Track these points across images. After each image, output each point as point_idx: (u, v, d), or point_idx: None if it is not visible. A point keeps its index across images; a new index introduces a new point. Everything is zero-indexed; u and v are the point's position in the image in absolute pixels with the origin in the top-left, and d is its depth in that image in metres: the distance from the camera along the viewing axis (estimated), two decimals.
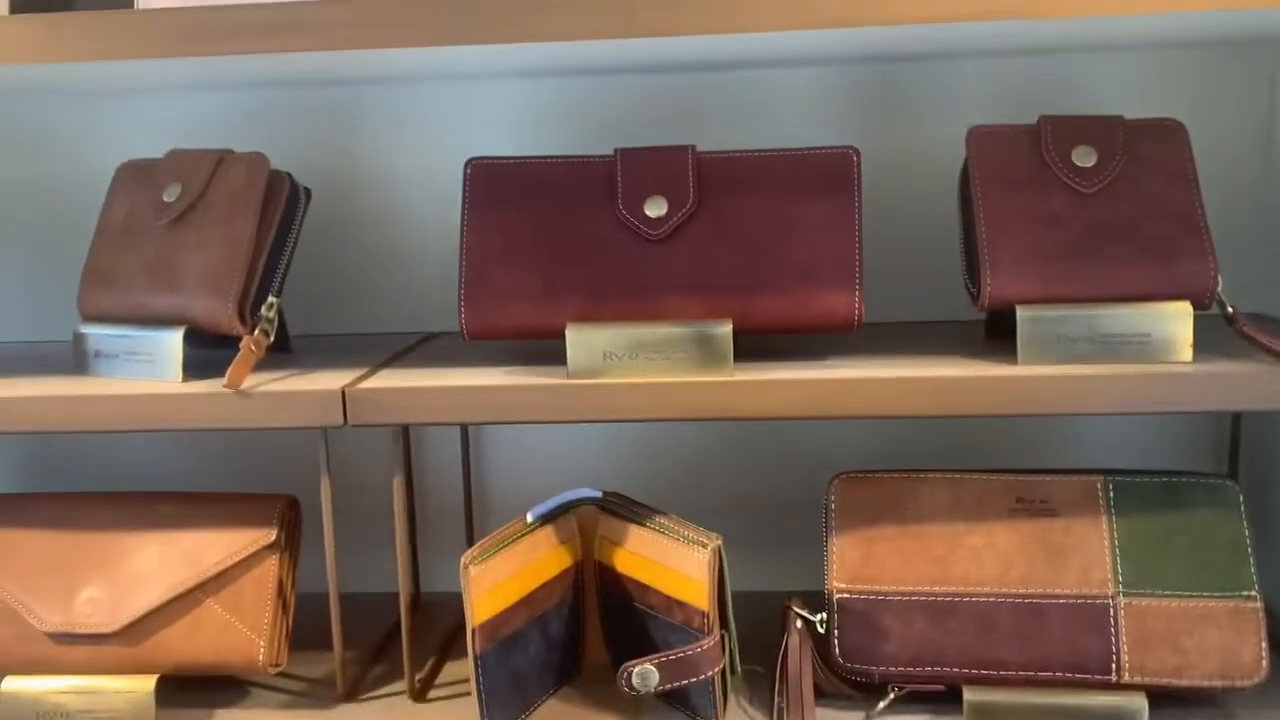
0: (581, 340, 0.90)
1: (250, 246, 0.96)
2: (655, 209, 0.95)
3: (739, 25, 0.78)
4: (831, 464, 1.02)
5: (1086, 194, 0.92)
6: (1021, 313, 0.89)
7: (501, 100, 1.14)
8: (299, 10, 0.81)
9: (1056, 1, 0.78)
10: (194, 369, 0.96)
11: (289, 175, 1.01)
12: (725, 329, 0.90)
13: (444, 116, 1.15)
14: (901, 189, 1.11)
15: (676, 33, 0.78)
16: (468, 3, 0.79)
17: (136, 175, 1.04)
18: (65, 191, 1.19)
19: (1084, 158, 0.93)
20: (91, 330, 1.00)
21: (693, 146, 0.96)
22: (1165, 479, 0.93)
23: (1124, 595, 0.90)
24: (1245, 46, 1.08)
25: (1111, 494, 0.93)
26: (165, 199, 1.00)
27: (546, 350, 0.96)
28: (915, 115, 1.11)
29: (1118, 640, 0.89)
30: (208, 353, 0.98)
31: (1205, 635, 0.89)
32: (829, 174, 0.95)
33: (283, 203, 0.99)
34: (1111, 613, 0.90)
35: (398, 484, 0.94)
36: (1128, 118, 0.95)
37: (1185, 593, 0.90)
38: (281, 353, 1.05)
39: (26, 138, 1.20)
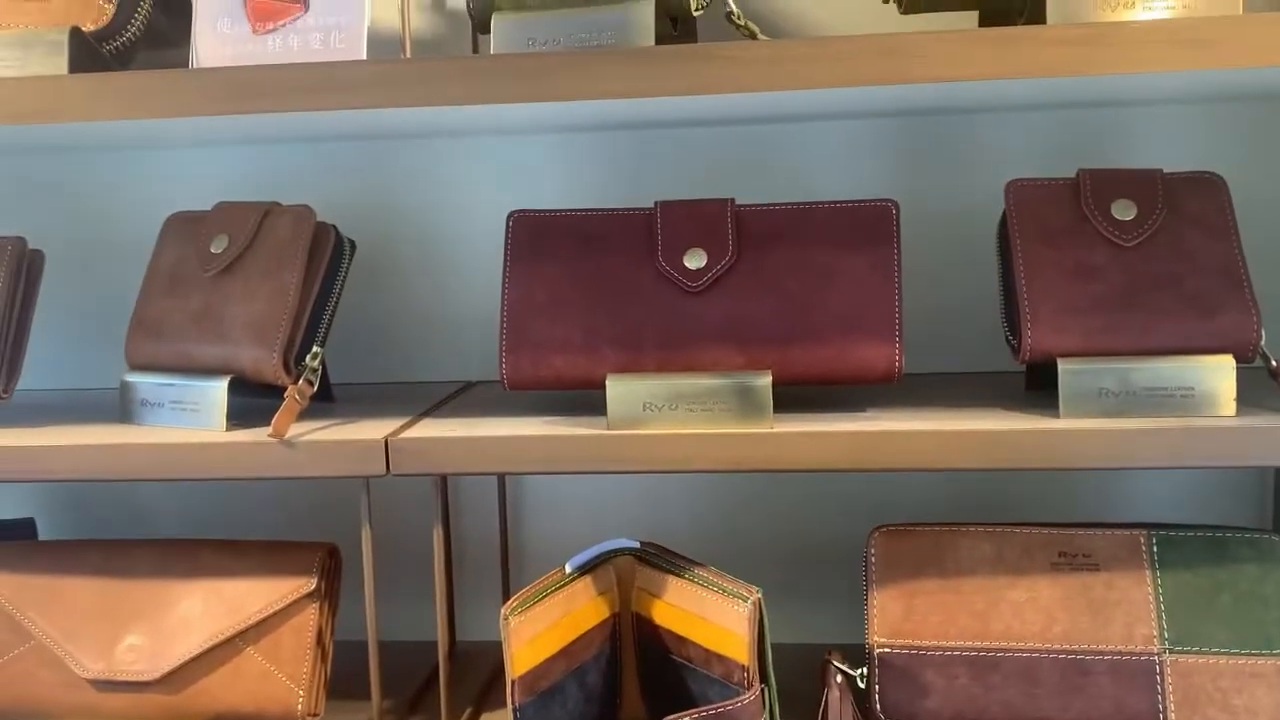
0: (621, 391, 0.91)
1: (296, 297, 0.97)
2: (695, 261, 0.96)
3: (775, 84, 0.79)
4: (872, 515, 1.02)
5: (1126, 247, 0.92)
6: (1063, 366, 0.89)
7: (543, 153, 1.16)
8: (347, 70, 0.83)
9: (1078, 63, 0.78)
10: (237, 416, 0.97)
11: (334, 227, 1.02)
12: (765, 381, 0.90)
13: (486, 169, 1.17)
14: (941, 240, 1.11)
15: (715, 92, 0.79)
16: (507, 64, 0.81)
17: (185, 227, 1.06)
18: (114, 242, 1.21)
19: (1124, 211, 0.93)
20: (138, 379, 1.02)
21: (731, 199, 0.97)
22: (1209, 534, 0.92)
23: (1170, 652, 0.89)
24: None
25: (1155, 549, 0.92)
26: (213, 250, 1.02)
27: (586, 400, 0.97)
28: (953, 167, 1.12)
29: (1164, 698, 0.88)
30: (251, 400, 1.00)
31: (1255, 694, 0.87)
32: (869, 226, 0.95)
33: (328, 254, 1.01)
34: (1157, 670, 0.88)
35: (437, 534, 0.94)
36: (1166, 171, 0.95)
37: (1233, 650, 0.88)
38: (324, 401, 1.06)
39: (77, 189, 1.22)
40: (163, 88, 0.85)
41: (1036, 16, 0.83)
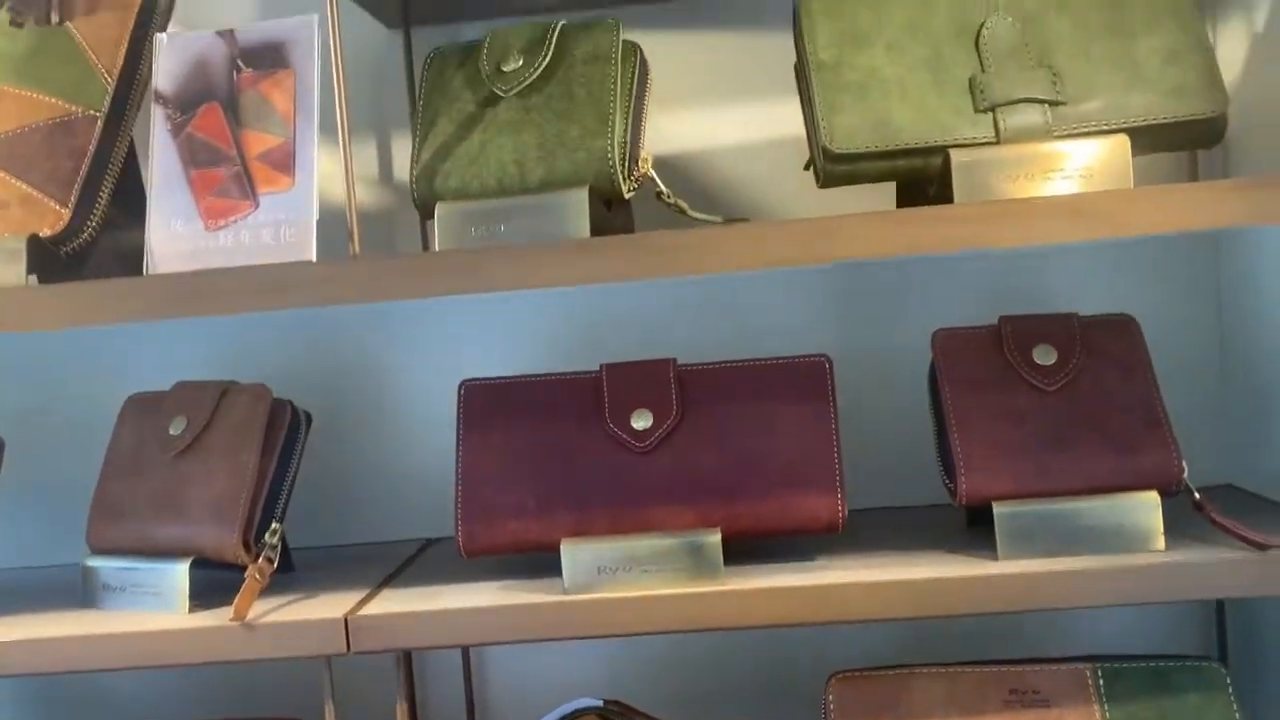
0: (576, 556, 0.93)
1: (254, 477, 1.00)
2: (641, 421, 0.99)
3: (705, 267, 0.84)
4: (828, 658, 1.04)
5: (1049, 391, 0.96)
6: (998, 509, 0.93)
7: (490, 317, 1.20)
8: (297, 271, 0.87)
9: (955, 236, 0.83)
10: (199, 592, 0.98)
11: (290, 403, 1.05)
12: (715, 538, 0.93)
13: (435, 334, 1.21)
14: (875, 383, 1.15)
15: (649, 276, 0.84)
16: (449, 260, 0.86)
17: (143, 408, 1.09)
18: (74, 420, 1.23)
19: (1044, 356, 0.98)
20: (99, 563, 1.03)
21: (673, 360, 1.01)
22: (1152, 664, 0.95)
23: None
24: (1189, 241, 1.14)
25: (1101, 682, 0.94)
26: (171, 431, 1.04)
27: (543, 558, 0.98)
28: (884, 310, 1.17)
29: None
30: (213, 573, 1.01)
31: None
32: (805, 382, 0.99)
33: (285, 430, 1.04)
34: None
35: (401, 710, 0.95)
36: (1083, 314, 1.00)
37: None
38: (284, 572, 1.07)
39: (38, 368, 1.24)
40: (120, 296, 0.88)
41: (945, 187, 0.89)
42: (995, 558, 0.92)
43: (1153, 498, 0.92)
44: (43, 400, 1.24)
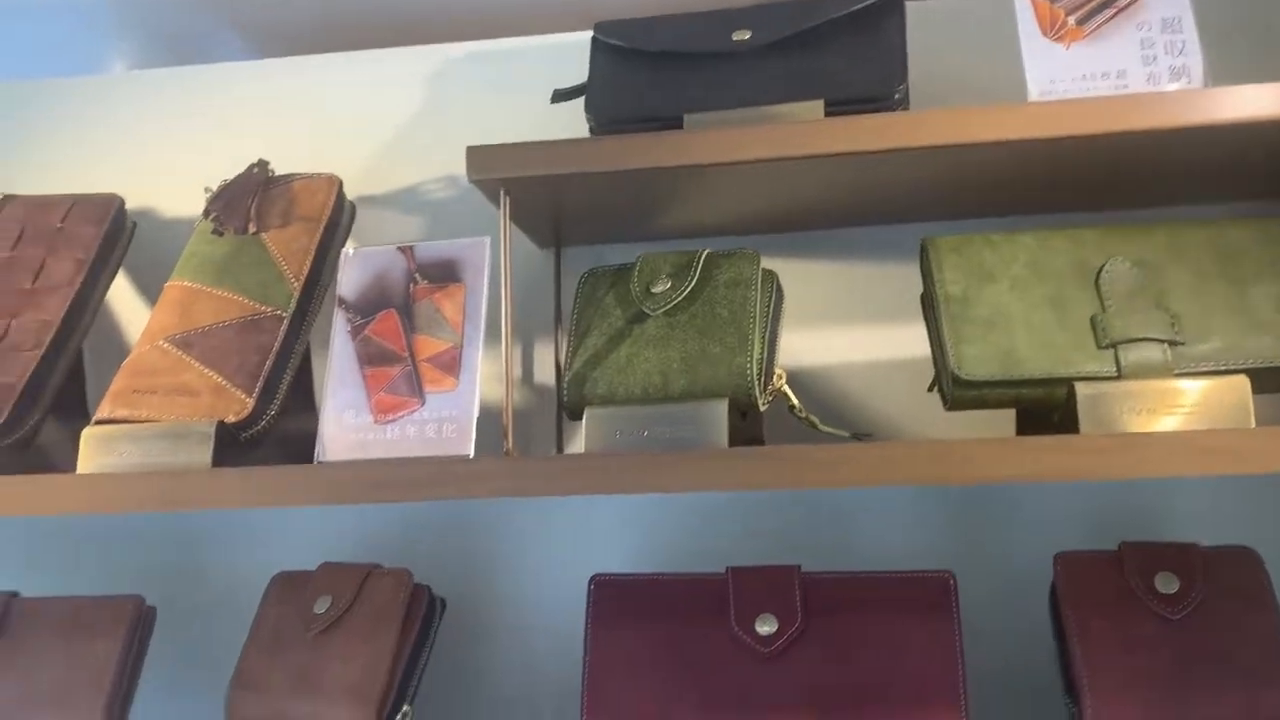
0: None
1: (391, 660, 1.04)
2: (765, 626, 1.02)
3: (836, 481, 0.89)
4: None
5: (1172, 620, 0.97)
6: None
7: (620, 514, 1.25)
8: (458, 466, 0.94)
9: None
10: None
11: (428, 588, 1.11)
12: None
13: (568, 530, 1.25)
14: (994, 599, 1.16)
15: (784, 487, 0.89)
16: (594, 462, 0.92)
17: (289, 586, 1.15)
18: (224, 592, 1.29)
19: (1166, 584, 0.99)
20: None
21: (798, 566, 1.05)
22: None
23: None
24: None
25: None
26: (315, 610, 1.10)
27: None
28: (1003, 529, 1.18)
29: None
30: None
31: None
32: (929, 597, 1.01)
33: (421, 614, 1.09)
34: None
35: None
36: (1203, 544, 1.02)
37: None
38: None
39: (189, 542, 1.32)
40: (299, 482, 0.96)
41: (1069, 415, 0.93)
42: None
43: None
44: (193, 571, 1.31)
